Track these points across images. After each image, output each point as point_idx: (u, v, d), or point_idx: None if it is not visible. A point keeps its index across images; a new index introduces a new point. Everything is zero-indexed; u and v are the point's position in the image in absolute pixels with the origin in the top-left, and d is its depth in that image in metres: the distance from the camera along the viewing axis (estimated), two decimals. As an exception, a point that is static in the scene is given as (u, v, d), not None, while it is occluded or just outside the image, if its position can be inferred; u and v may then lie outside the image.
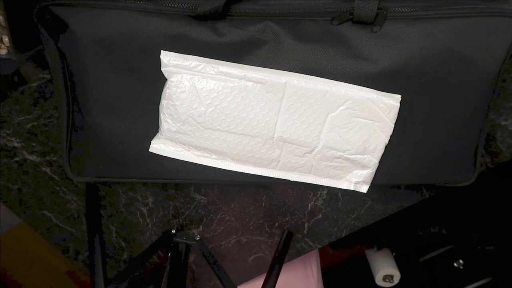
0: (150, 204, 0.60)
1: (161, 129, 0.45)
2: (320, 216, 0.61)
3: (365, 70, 0.41)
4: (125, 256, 0.64)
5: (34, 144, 0.56)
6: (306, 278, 0.71)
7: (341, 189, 0.56)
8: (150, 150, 0.47)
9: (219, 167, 0.47)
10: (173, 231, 0.61)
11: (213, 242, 0.63)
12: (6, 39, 0.44)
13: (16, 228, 1.43)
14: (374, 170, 0.47)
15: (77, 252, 0.64)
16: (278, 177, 0.48)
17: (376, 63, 0.41)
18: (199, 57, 0.42)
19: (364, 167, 0.46)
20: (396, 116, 0.43)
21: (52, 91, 0.53)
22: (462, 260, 1.05)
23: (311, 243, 0.62)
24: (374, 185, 0.48)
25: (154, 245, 0.60)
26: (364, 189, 0.48)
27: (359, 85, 0.42)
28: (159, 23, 0.40)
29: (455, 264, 1.06)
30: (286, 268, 0.68)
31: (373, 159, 0.46)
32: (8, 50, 0.45)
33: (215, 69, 0.42)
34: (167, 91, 0.43)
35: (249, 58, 0.42)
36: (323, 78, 0.42)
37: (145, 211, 0.61)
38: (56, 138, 0.56)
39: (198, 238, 0.61)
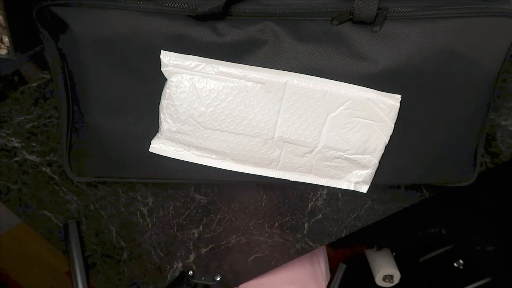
0: (150, 204, 0.60)
1: (161, 129, 0.45)
2: (320, 216, 0.61)
3: (365, 70, 0.41)
4: (125, 256, 0.64)
5: (34, 144, 0.56)
6: (315, 275, 0.71)
7: (341, 189, 0.56)
8: (150, 150, 0.47)
9: (219, 167, 0.47)
10: (190, 272, 0.60)
11: (213, 242, 0.63)
12: (6, 39, 0.44)
13: (16, 228, 1.43)
14: (374, 170, 0.47)
15: (77, 252, 0.64)
16: (278, 177, 0.48)
17: (376, 63, 0.41)
18: (199, 57, 0.42)
19: (364, 167, 0.46)
20: (396, 116, 0.43)
21: (52, 91, 0.53)
22: (462, 260, 1.05)
23: (311, 243, 0.62)
24: (374, 185, 0.48)
25: (170, 286, 0.59)
26: (364, 189, 0.48)
27: (359, 85, 0.42)
28: (159, 23, 0.40)
29: (455, 264, 1.06)
30: (295, 265, 0.68)
31: (373, 159, 0.46)
32: (8, 50, 0.45)
33: (215, 69, 0.42)
34: (167, 91, 0.43)
35: (249, 58, 0.42)
36: (323, 78, 0.42)
37: (145, 211, 0.61)
38: (56, 138, 0.56)
39: (218, 279, 0.60)
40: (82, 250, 0.59)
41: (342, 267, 0.58)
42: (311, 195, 0.59)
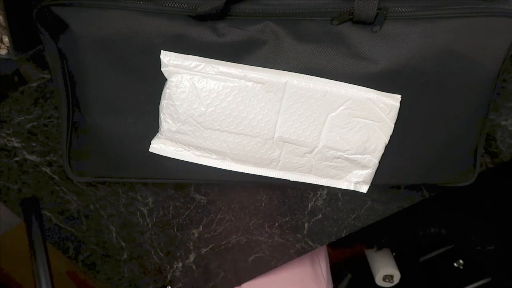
0: (150, 204, 0.60)
1: (161, 129, 0.45)
2: (320, 216, 0.61)
3: (365, 70, 0.41)
4: (125, 256, 0.64)
5: (34, 144, 0.56)
6: (315, 275, 0.71)
7: (341, 189, 0.56)
8: (150, 150, 0.47)
9: (219, 167, 0.47)
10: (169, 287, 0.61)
11: (213, 242, 0.63)
12: (6, 39, 0.44)
13: (16, 228, 1.43)
14: (374, 170, 0.47)
15: (77, 252, 0.64)
16: (278, 177, 0.48)
17: (376, 63, 0.41)
18: (199, 57, 0.42)
19: (364, 167, 0.46)
20: (396, 116, 0.43)
21: (52, 91, 0.53)
22: (462, 260, 1.05)
23: (311, 243, 0.62)
24: (374, 185, 0.48)
25: None
26: (364, 189, 0.48)
27: (359, 85, 0.42)
28: (159, 23, 0.40)
29: (455, 264, 1.06)
30: (295, 265, 0.68)
31: (373, 159, 0.46)
32: (8, 50, 0.45)
33: (215, 69, 0.42)
34: (167, 91, 0.43)
35: (249, 58, 0.42)
36: (323, 78, 0.42)
37: (145, 211, 0.61)
38: (56, 138, 0.56)
39: None
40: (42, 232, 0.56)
41: (347, 277, 0.57)
42: (311, 195, 0.59)
